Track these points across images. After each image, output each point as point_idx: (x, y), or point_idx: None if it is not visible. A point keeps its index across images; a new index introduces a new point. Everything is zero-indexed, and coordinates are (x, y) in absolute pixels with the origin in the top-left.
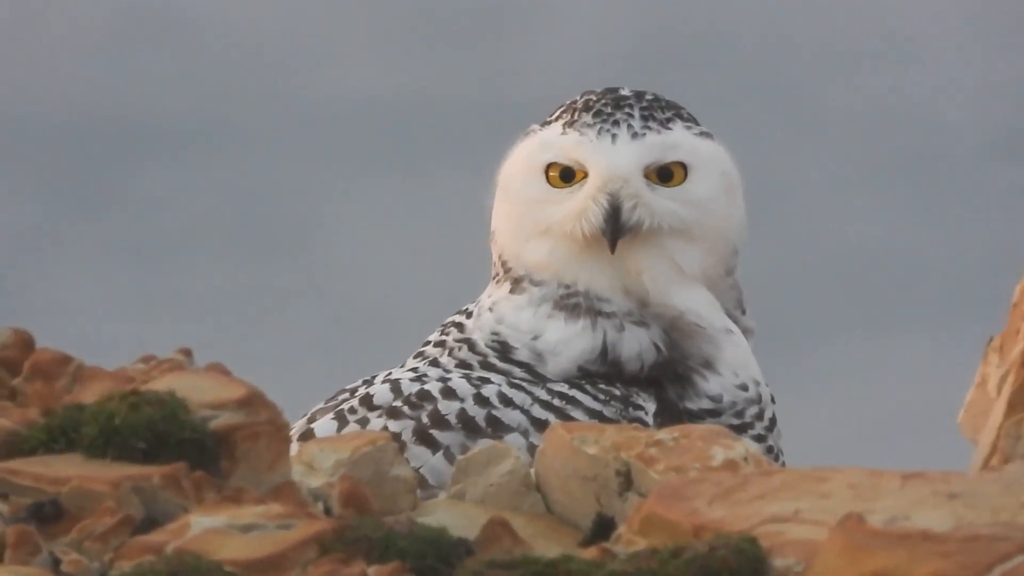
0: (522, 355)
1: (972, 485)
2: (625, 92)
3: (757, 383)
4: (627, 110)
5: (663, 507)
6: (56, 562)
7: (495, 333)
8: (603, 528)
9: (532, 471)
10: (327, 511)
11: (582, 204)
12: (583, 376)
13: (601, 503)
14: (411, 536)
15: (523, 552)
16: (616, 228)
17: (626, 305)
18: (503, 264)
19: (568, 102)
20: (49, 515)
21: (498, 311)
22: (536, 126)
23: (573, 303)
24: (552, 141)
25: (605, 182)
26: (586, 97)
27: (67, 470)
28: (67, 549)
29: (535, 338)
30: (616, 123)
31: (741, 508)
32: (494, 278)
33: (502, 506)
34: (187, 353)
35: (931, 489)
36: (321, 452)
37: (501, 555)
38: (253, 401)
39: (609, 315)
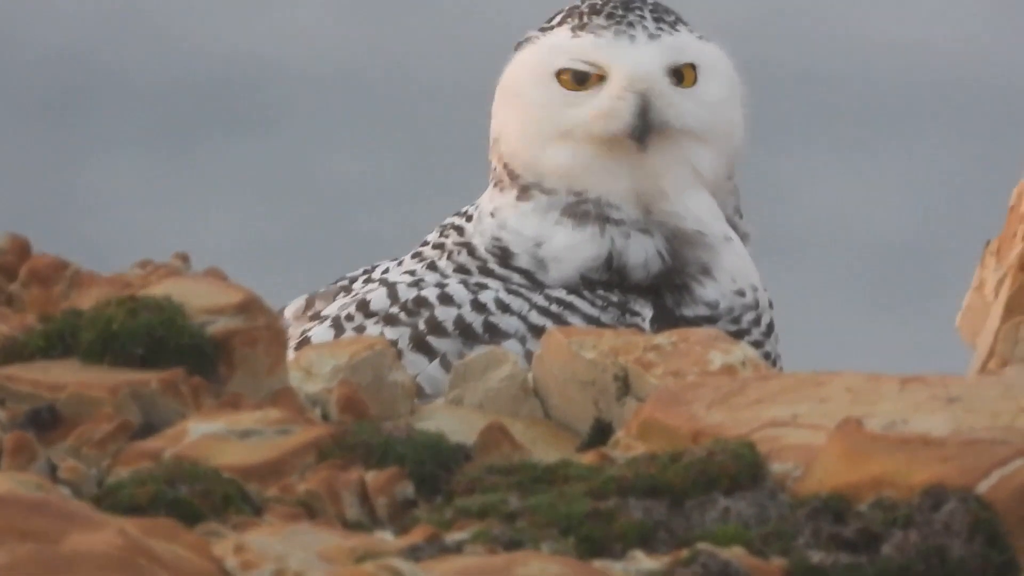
0: (522, 261)
1: (970, 389)
2: None
3: (755, 289)
4: (638, 12)
5: (661, 412)
6: (54, 468)
7: (496, 239)
8: (601, 433)
9: (530, 376)
10: (325, 417)
11: (608, 104)
12: (584, 284)
13: (599, 408)
14: (409, 441)
15: (521, 457)
16: (646, 126)
17: (634, 213)
18: (509, 171)
19: (567, 8)
20: (47, 421)
21: (500, 217)
22: (535, 32)
23: (583, 210)
24: (563, 45)
25: (632, 81)
26: (591, 2)
27: (65, 376)
28: (65, 455)
29: (538, 244)
30: (631, 24)
31: (739, 413)
32: (496, 184)
33: (500, 411)
34: (184, 258)
35: (929, 393)
36: (319, 357)
37: (499, 460)
38: (251, 306)
39: (617, 222)
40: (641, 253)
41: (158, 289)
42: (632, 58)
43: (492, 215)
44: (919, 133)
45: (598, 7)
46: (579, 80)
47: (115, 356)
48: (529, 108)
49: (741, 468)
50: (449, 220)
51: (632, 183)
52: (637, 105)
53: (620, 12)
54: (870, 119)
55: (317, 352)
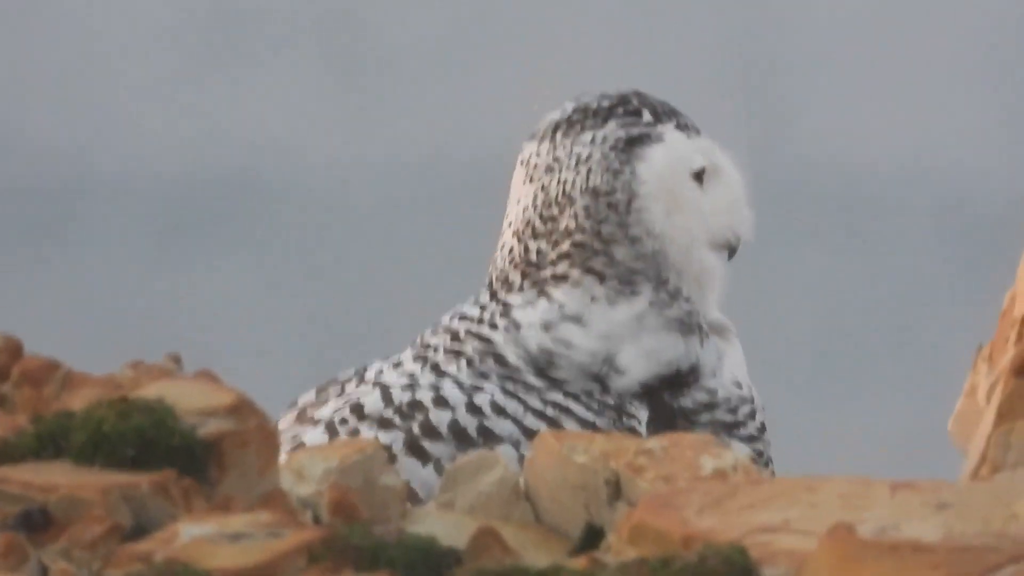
0: (567, 374)
1: (962, 495)
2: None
3: (750, 387)
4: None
5: (652, 516)
6: (44, 570)
7: (545, 351)
8: (592, 537)
9: (521, 480)
10: (316, 519)
11: (733, 210)
12: (644, 391)
13: (591, 512)
14: (400, 545)
15: (512, 562)
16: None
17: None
18: (649, 273)
19: (641, 101)
20: (38, 523)
21: (558, 331)
22: (635, 128)
23: (691, 320)
24: (690, 145)
25: (742, 188)
26: (654, 102)
27: (56, 477)
28: (56, 557)
29: (608, 357)
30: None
31: (730, 517)
32: (577, 284)
33: (491, 515)
34: (176, 359)
35: (921, 499)
36: (310, 460)
37: (491, 564)
38: (242, 408)
39: (703, 331)
40: (711, 360)
41: (149, 390)
42: (731, 163)
43: (546, 328)
44: (906, 242)
45: (667, 107)
46: (701, 182)
47: (106, 458)
48: (689, 210)
49: (733, 573)
50: (457, 325)
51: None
52: (749, 212)
53: (685, 114)
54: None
55: (308, 455)
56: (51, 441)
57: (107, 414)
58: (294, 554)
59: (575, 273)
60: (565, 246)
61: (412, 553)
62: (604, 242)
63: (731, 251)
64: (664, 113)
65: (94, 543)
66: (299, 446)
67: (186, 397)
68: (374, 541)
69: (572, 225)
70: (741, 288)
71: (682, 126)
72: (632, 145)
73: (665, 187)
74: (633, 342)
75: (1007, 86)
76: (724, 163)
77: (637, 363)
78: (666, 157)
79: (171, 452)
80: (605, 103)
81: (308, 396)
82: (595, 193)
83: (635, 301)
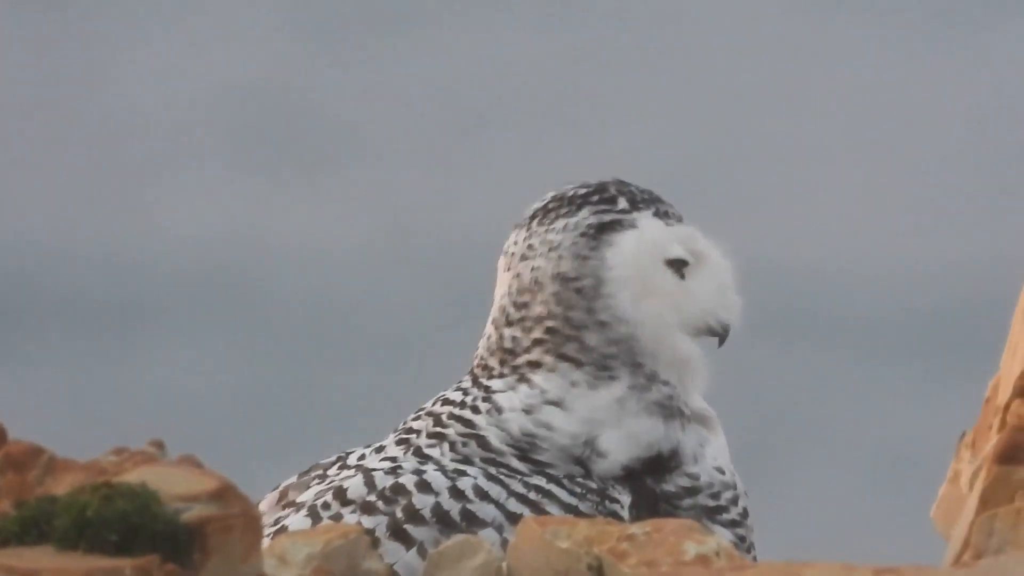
0: (551, 456)
1: None
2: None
3: (733, 472)
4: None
5: None
6: None
7: (529, 435)
8: None
9: (504, 565)
10: None
11: (717, 297)
12: (625, 474)
13: None
14: None
15: None
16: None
17: (690, 402)
18: (622, 358)
19: (619, 189)
20: None
21: (540, 415)
22: (607, 215)
23: (671, 404)
24: (667, 233)
25: (728, 275)
26: (635, 188)
27: (39, 562)
28: None
29: (589, 440)
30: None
31: None
32: (553, 370)
33: None
34: (159, 445)
35: None
36: (293, 545)
37: None
38: (225, 493)
39: (684, 415)
40: (692, 444)
41: (133, 475)
42: (717, 251)
43: (527, 411)
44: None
45: (650, 196)
46: (679, 269)
47: (90, 543)
48: (660, 296)
49: None
50: (440, 409)
51: (701, 376)
52: (738, 299)
53: (669, 203)
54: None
55: (291, 539)
56: (35, 525)
57: (91, 499)
58: None
59: (549, 359)
60: (538, 332)
61: None
62: (574, 328)
63: (720, 338)
64: (643, 201)
65: None
66: (281, 530)
67: (169, 482)
68: None
69: (543, 312)
70: (722, 379)
71: (661, 214)
72: (602, 232)
73: (634, 273)
74: (615, 426)
75: (972, 184)
76: (709, 251)
77: (619, 446)
78: (637, 243)
79: (154, 537)
80: (582, 191)
81: (290, 480)
82: (564, 279)
83: (614, 386)
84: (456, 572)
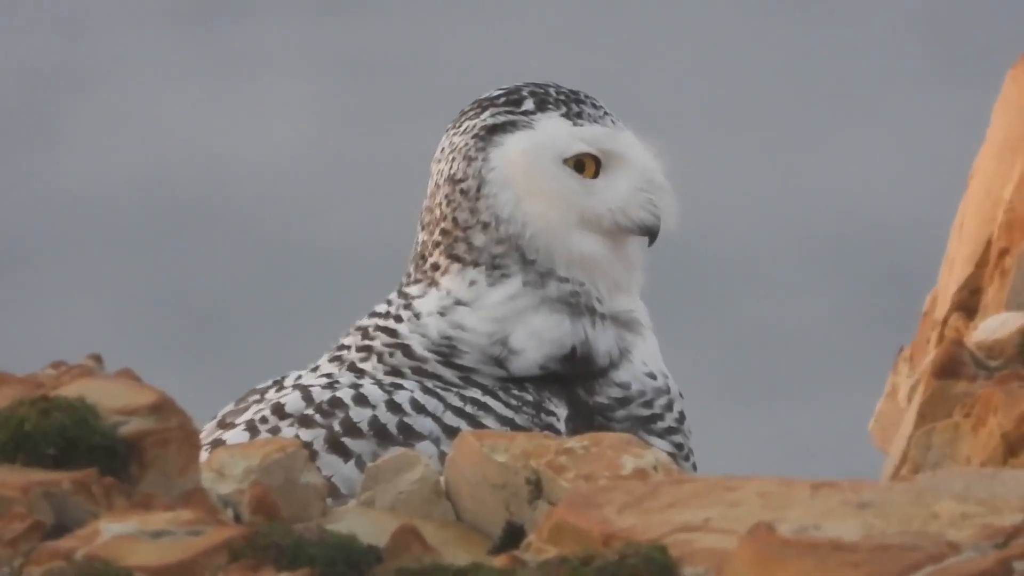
0: (471, 359)
1: (882, 494)
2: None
3: (665, 375)
4: (604, 108)
5: (573, 515)
6: None
7: (446, 337)
8: (513, 536)
9: (442, 479)
10: (237, 518)
11: (632, 196)
12: (543, 375)
13: (511, 511)
14: (321, 543)
15: (433, 559)
16: (659, 221)
17: (610, 303)
18: (515, 256)
19: (531, 92)
20: None
21: (453, 316)
22: (504, 116)
23: (575, 300)
24: (572, 132)
25: (652, 175)
26: (556, 90)
27: None
28: None
29: (503, 338)
30: (614, 120)
31: (651, 516)
32: (456, 275)
33: (412, 513)
34: (97, 359)
35: (841, 498)
36: (231, 459)
37: (411, 562)
38: (163, 407)
39: (592, 313)
40: (607, 342)
41: (71, 389)
42: (644, 152)
43: (442, 313)
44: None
45: (574, 96)
46: (587, 168)
47: (28, 456)
48: (548, 195)
49: (653, 572)
50: (368, 322)
51: (617, 275)
52: (657, 200)
53: (598, 105)
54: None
55: (229, 453)
56: None
57: (28, 413)
58: (215, 552)
59: (444, 261)
60: (436, 235)
61: (332, 551)
62: (462, 229)
63: (649, 237)
64: (555, 102)
65: (15, 540)
66: (219, 445)
67: (108, 396)
68: (295, 539)
69: (438, 214)
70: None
71: (572, 114)
72: (492, 133)
73: (519, 173)
74: (520, 323)
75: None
76: (629, 150)
77: (529, 344)
78: (524, 143)
79: (92, 451)
80: (495, 93)
81: (227, 408)
82: (453, 180)
83: (508, 283)
84: (394, 486)
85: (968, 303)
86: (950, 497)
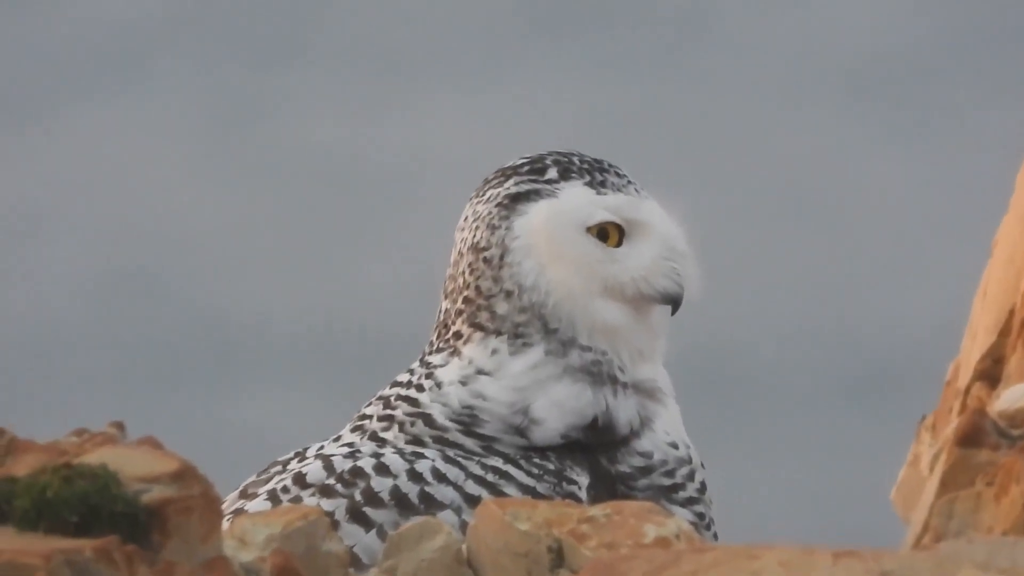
0: (493, 428)
1: (904, 563)
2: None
3: (687, 445)
4: (627, 177)
5: None
6: None
7: (468, 407)
8: None
9: (464, 547)
10: None
11: (655, 265)
12: (565, 442)
13: None
14: None
15: None
16: (682, 289)
17: (632, 372)
18: (537, 324)
19: (555, 160)
20: None
21: (475, 385)
22: (527, 184)
23: (597, 369)
24: (596, 201)
25: (676, 243)
26: (579, 159)
27: None
28: None
29: (524, 408)
30: (637, 188)
31: None
32: (476, 344)
33: None
34: (119, 427)
35: (863, 567)
36: (253, 526)
37: None
38: (185, 475)
39: (614, 382)
40: (628, 411)
41: (93, 457)
42: (668, 220)
43: (463, 383)
44: None
45: (597, 165)
46: (610, 237)
47: (50, 523)
48: (572, 263)
49: None
50: (390, 392)
51: (639, 343)
52: (680, 268)
53: (621, 173)
54: None
55: (251, 521)
56: None
57: (51, 480)
58: None
59: (466, 329)
60: (459, 303)
61: None
62: (485, 297)
63: (672, 306)
64: (579, 171)
65: None
66: (241, 514)
67: (129, 464)
68: None
69: (461, 283)
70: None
71: (596, 183)
72: (516, 201)
73: (542, 241)
74: (542, 392)
75: None
76: (652, 218)
77: (551, 413)
78: (548, 212)
79: (114, 518)
80: (519, 162)
81: (250, 479)
82: (476, 249)
83: (531, 352)
84: (416, 553)
85: (991, 372)
86: (972, 566)
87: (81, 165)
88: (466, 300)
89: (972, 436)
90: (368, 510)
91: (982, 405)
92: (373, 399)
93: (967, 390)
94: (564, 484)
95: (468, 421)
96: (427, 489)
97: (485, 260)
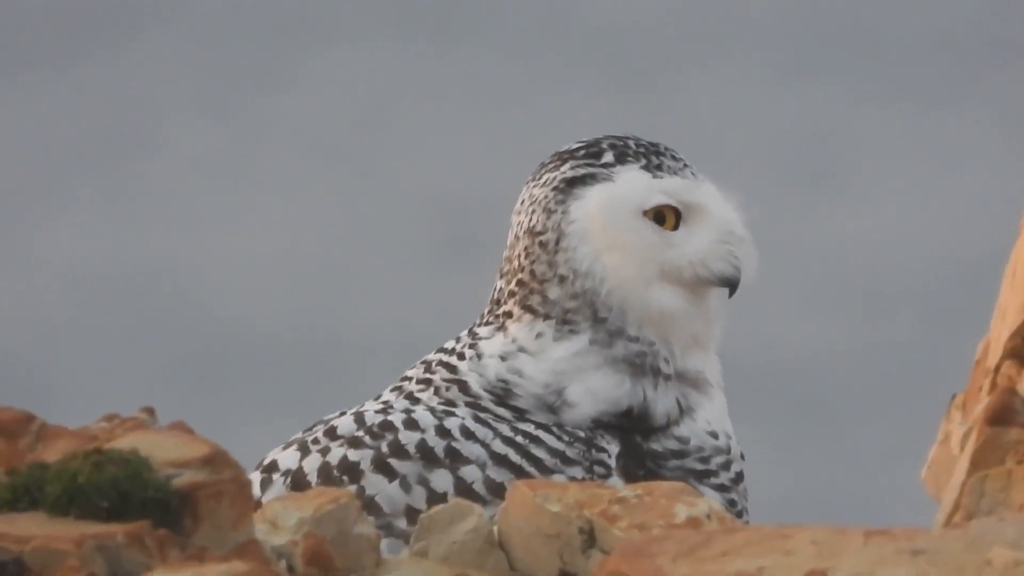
0: (525, 403)
1: (936, 542)
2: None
3: (728, 436)
4: (684, 160)
5: (627, 564)
6: None
7: (502, 380)
8: None
9: (495, 528)
10: (291, 569)
11: (713, 248)
12: (596, 427)
13: (564, 560)
14: None
15: None
16: (740, 273)
17: (680, 362)
18: (586, 311)
19: (611, 144)
20: (13, 574)
21: (514, 362)
22: (583, 168)
23: (641, 360)
24: (652, 184)
25: (733, 226)
26: (635, 142)
27: (31, 528)
28: None
29: (559, 390)
30: (693, 172)
31: (705, 565)
32: (522, 323)
33: (466, 564)
34: (150, 411)
35: (895, 546)
36: (284, 510)
37: None
38: (216, 459)
39: (657, 373)
40: (667, 403)
41: (124, 442)
42: (724, 203)
43: (503, 358)
44: None
45: (653, 148)
46: (668, 220)
47: (81, 509)
48: (627, 248)
49: None
50: (433, 357)
51: (694, 329)
52: (737, 251)
53: (678, 156)
54: None
55: (283, 504)
56: (26, 492)
57: (82, 466)
58: None
59: (517, 311)
60: (513, 284)
61: None
62: (538, 281)
63: (730, 288)
64: (635, 155)
65: None
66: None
67: (160, 449)
68: None
69: (516, 265)
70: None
71: (652, 167)
72: (572, 185)
73: (598, 226)
74: (578, 379)
75: None
76: (708, 201)
77: (584, 399)
78: (604, 196)
79: (145, 503)
80: (575, 146)
81: (297, 433)
82: (532, 233)
83: (575, 340)
84: (447, 535)
85: (1020, 351)
86: (1003, 544)
87: None
88: (519, 283)
89: (1002, 414)
90: (393, 461)
91: (1012, 384)
92: (418, 362)
93: (997, 368)
94: (594, 451)
95: (501, 393)
96: (454, 444)
97: (541, 244)
